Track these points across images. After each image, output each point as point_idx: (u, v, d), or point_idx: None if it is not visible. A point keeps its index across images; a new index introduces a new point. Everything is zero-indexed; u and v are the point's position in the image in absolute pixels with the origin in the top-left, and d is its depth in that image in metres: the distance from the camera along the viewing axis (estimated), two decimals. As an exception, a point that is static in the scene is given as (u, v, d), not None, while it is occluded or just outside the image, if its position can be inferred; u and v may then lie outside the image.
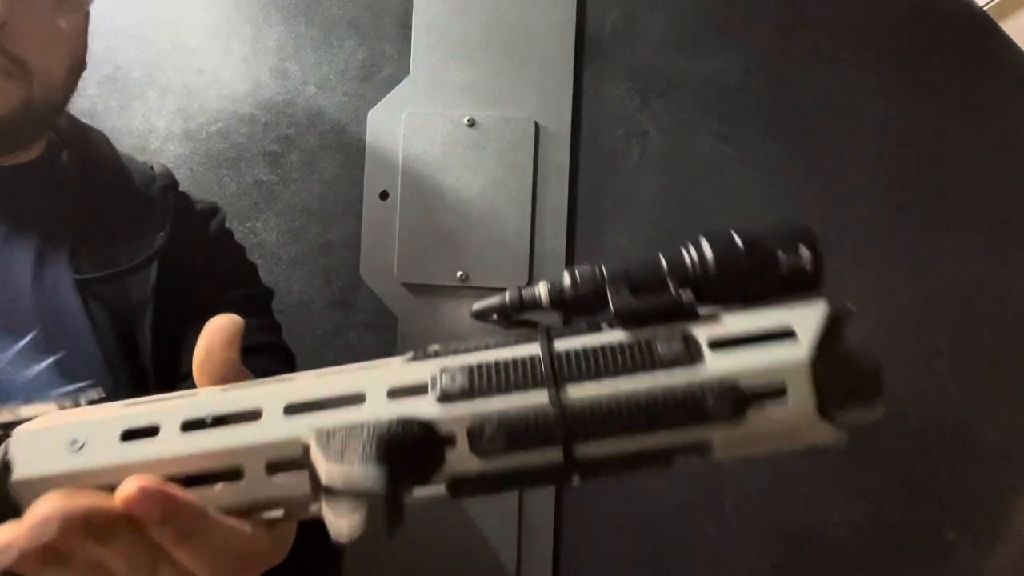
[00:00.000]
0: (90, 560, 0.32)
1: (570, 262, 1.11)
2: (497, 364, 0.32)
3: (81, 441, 0.33)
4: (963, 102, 1.14)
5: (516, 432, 0.31)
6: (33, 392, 0.62)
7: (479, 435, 0.31)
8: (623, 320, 0.32)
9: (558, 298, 0.34)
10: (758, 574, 1.12)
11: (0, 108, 0.64)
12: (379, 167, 1.12)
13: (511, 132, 1.12)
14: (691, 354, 0.30)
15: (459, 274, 1.11)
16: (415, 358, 0.34)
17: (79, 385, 0.62)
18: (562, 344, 0.32)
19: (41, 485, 0.33)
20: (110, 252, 0.69)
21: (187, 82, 1.13)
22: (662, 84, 1.14)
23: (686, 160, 1.14)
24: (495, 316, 0.35)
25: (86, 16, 0.71)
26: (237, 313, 0.63)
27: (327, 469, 0.30)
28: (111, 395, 0.37)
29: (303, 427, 0.32)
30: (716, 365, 0.30)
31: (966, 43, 1.14)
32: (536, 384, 0.31)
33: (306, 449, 0.32)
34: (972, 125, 1.14)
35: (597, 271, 0.33)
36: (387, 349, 1.10)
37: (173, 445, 0.33)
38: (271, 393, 0.33)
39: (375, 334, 1.12)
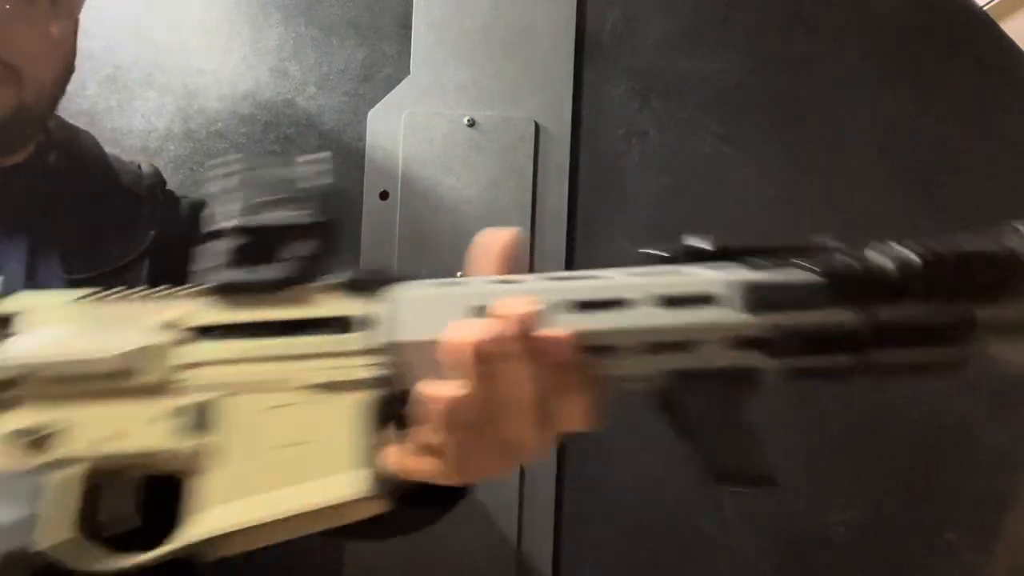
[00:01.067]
0: (514, 372, 0.38)
1: (570, 262, 1.12)
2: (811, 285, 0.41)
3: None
4: (963, 102, 1.14)
5: (815, 341, 0.39)
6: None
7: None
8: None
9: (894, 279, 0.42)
10: (758, 574, 1.12)
11: None
12: (379, 167, 1.12)
13: (511, 132, 1.12)
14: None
15: (459, 274, 1.10)
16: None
17: None
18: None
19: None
20: (101, 251, 0.70)
21: (187, 82, 1.13)
22: (662, 84, 1.14)
23: (686, 160, 1.14)
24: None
25: (76, 22, 0.71)
26: None
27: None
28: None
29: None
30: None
31: (966, 43, 1.14)
32: (841, 303, 0.40)
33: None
34: (972, 125, 1.14)
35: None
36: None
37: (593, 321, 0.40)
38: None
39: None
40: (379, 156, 1.12)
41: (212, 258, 0.41)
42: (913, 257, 0.41)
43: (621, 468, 1.12)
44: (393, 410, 0.41)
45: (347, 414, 0.39)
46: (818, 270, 0.42)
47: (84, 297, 0.40)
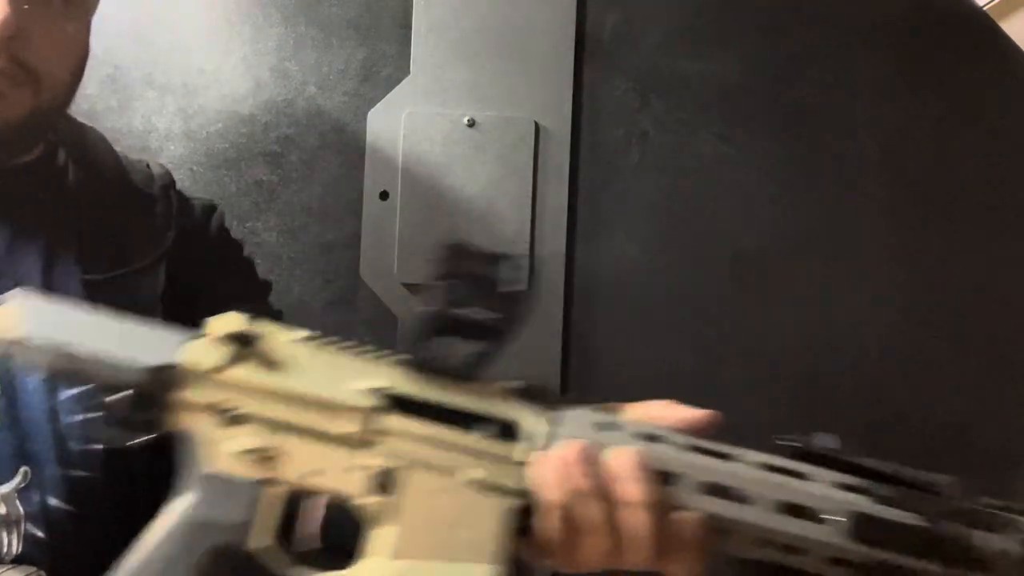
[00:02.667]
0: (587, 509, 0.46)
1: (570, 262, 1.12)
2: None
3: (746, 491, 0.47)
4: (963, 102, 1.14)
5: None
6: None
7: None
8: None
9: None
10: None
11: (11, 115, 0.64)
12: (379, 167, 1.12)
13: (511, 132, 1.12)
14: None
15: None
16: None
17: (83, 388, 0.62)
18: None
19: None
20: (118, 251, 0.70)
21: (187, 82, 1.13)
22: (662, 84, 1.14)
23: (686, 160, 1.14)
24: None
25: (89, 22, 0.71)
26: (241, 301, 0.68)
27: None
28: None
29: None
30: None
31: (966, 43, 1.14)
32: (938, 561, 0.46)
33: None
34: (972, 125, 1.14)
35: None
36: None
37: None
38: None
39: (375, 334, 1.12)
40: (379, 156, 1.12)
41: (413, 335, 0.48)
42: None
43: None
44: (526, 518, 0.48)
45: (496, 514, 0.47)
46: (929, 525, 0.47)
47: (310, 339, 0.47)
